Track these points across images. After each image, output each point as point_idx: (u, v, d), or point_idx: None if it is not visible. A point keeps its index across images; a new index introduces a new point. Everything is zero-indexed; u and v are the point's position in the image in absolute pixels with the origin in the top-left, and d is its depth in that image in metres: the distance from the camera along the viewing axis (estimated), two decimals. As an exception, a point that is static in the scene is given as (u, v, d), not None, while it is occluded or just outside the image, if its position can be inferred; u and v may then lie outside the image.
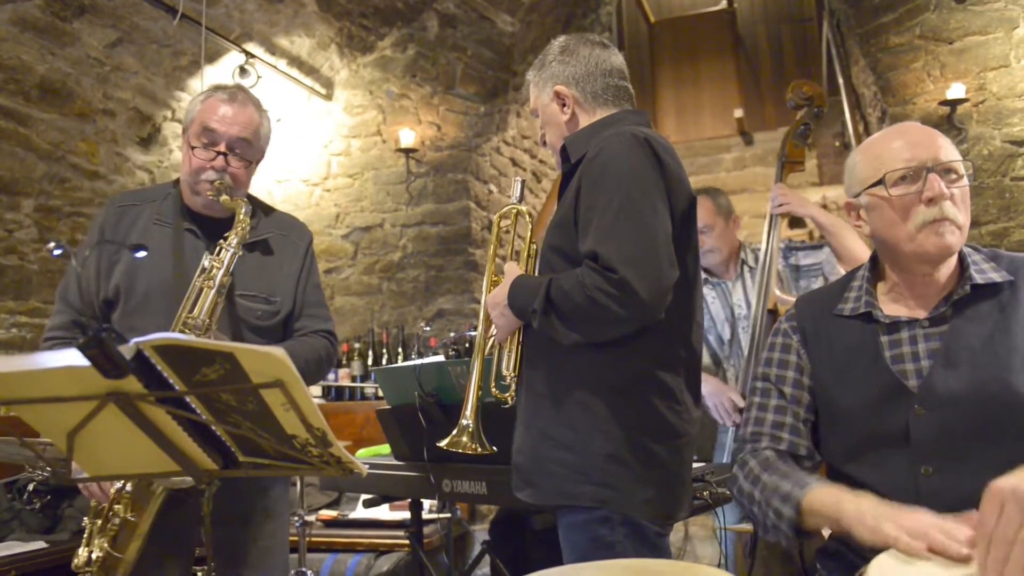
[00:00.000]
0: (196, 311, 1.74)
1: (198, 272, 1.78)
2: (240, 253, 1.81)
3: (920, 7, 4.56)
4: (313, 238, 2.11)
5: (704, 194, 2.77)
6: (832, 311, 1.43)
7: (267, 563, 1.92)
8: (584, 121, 1.68)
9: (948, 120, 4.48)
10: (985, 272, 1.33)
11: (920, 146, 1.34)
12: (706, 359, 2.74)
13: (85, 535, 1.74)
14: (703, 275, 2.75)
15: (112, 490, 1.70)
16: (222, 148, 1.85)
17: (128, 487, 1.69)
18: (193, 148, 1.85)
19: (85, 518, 1.77)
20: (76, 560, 1.71)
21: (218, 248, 1.80)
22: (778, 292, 2.44)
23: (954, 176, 1.32)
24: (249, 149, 1.90)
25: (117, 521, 1.69)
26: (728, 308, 2.74)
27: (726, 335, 2.72)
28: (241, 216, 1.82)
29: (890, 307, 1.39)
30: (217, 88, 1.94)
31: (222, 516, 1.84)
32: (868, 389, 1.34)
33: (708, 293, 2.77)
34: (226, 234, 1.81)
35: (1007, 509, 0.90)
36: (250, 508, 1.90)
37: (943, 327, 1.33)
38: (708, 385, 2.55)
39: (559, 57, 1.71)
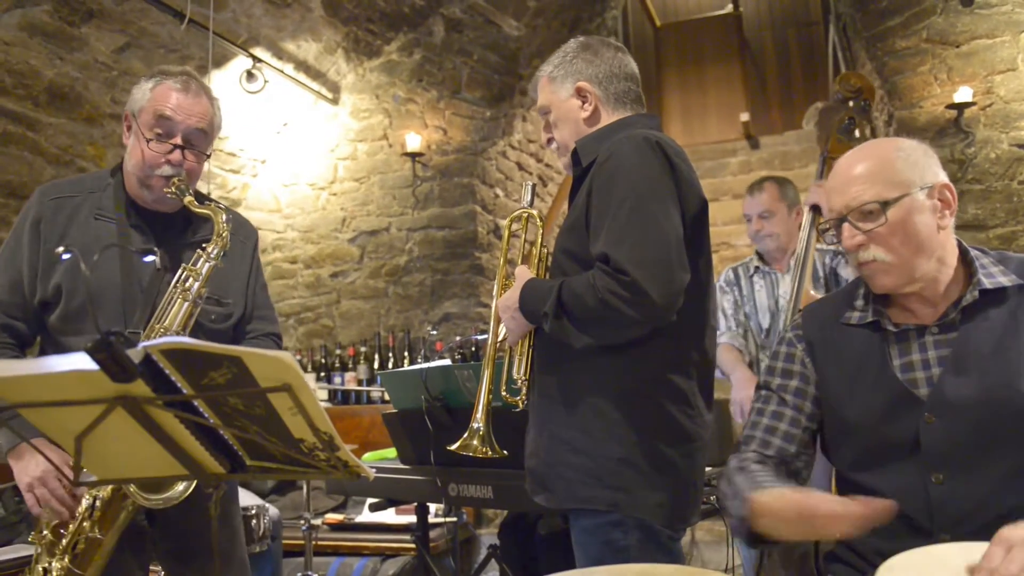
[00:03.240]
0: (169, 321, 1.66)
1: (174, 282, 1.69)
2: (221, 265, 1.72)
3: (926, 11, 4.55)
4: (259, 236, 2.02)
5: (772, 181, 2.87)
6: (840, 320, 1.42)
7: (223, 564, 1.84)
8: (602, 121, 1.67)
9: (955, 123, 4.46)
10: (994, 276, 1.32)
11: (836, 193, 1.35)
12: (749, 343, 2.85)
13: (35, 553, 1.67)
14: (758, 263, 2.87)
15: (82, 508, 1.63)
16: (178, 140, 1.73)
17: (98, 505, 1.63)
18: (148, 141, 1.72)
19: (32, 533, 1.70)
20: None
21: (196, 257, 1.72)
22: (813, 293, 2.42)
23: (874, 213, 1.29)
24: (204, 141, 1.78)
25: (82, 539, 1.62)
26: (773, 299, 2.81)
27: (765, 323, 2.78)
28: (222, 224, 1.73)
29: (898, 315, 1.38)
30: (166, 74, 1.79)
31: (172, 529, 1.76)
32: (877, 398, 1.34)
33: (757, 281, 2.85)
34: (204, 244, 1.73)
35: (1015, 551, 0.96)
36: (200, 516, 1.79)
37: (952, 333, 1.32)
38: (738, 375, 2.65)
39: (583, 55, 1.69)
